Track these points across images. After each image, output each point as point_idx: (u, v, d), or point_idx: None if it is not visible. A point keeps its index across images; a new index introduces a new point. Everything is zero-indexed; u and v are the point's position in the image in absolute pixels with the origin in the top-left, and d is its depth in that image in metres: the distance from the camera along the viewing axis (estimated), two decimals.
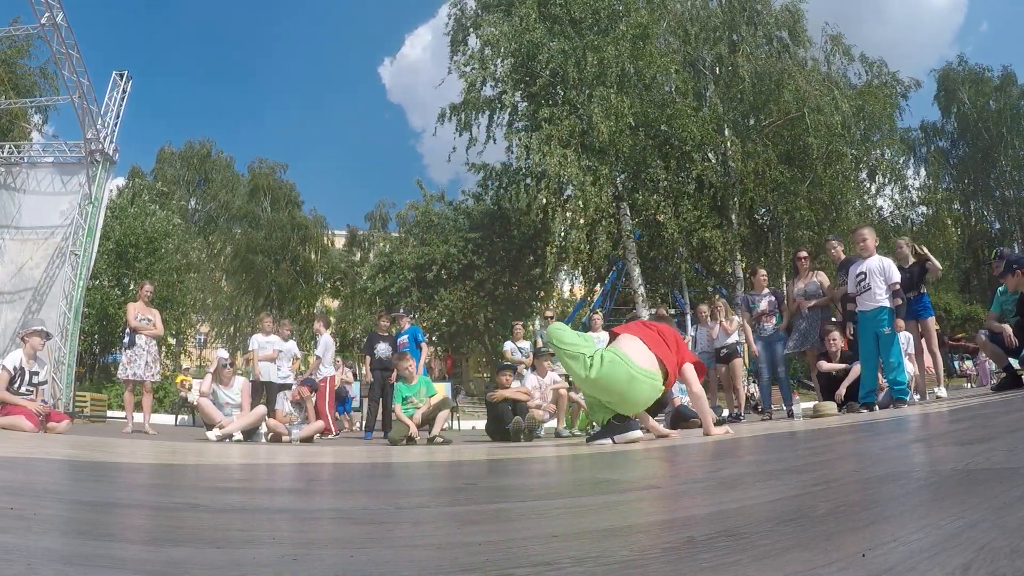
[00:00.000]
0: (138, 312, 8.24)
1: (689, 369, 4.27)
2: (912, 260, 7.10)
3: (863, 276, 6.08)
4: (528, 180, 19.84)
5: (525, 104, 19.99)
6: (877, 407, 5.98)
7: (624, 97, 17.88)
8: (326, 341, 9.53)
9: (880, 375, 6.31)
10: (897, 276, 6.03)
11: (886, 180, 21.74)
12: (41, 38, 13.07)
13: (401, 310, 10.55)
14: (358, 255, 34.84)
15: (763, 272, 8.01)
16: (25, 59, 21.47)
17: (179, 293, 22.91)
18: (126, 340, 8.27)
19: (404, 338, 9.29)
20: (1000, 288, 6.76)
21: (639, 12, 18.87)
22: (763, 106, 19.83)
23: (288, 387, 8.27)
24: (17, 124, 18.95)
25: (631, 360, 4.04)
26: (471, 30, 20.34)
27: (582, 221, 18.33)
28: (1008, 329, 6.27)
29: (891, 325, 5.88)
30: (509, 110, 20.14)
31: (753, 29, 20.58)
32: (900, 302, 5.93)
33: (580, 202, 17.67)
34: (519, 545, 0.87)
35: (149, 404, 8.29)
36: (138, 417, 8.10)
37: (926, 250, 6.90)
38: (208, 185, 34.51)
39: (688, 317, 18.31)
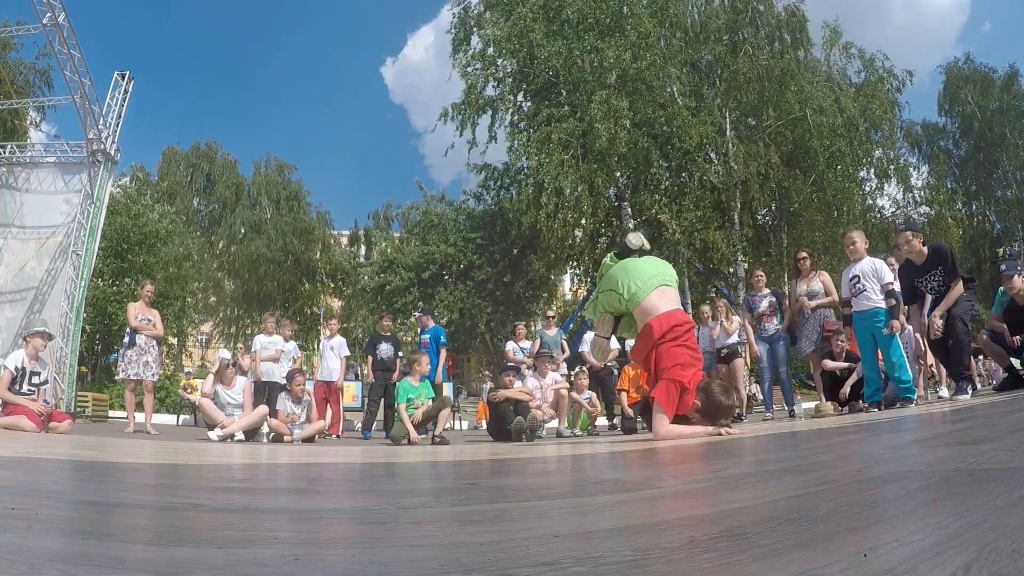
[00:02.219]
0: (138, 312, 8.23)
1: (657, 394, 3.92)
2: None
3: (856, 279, 6.11)
4: (530, 180, 19.86)
5: (529, 104, 20.00)
6: (883, 405, 5.97)
7: (623, 98, 17.89)
8: (342, 342, 9.68)
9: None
10: (890, 277, 6.04)
11: (893, 179, 21.71)
12: (25, 34, 13.10)
13: (429, 308, 10.62)
14: (363, 252, 34.92)
15: (760, 273, 8.02)
16: (12, 52, 21.35)
17: (177, 287, 22.84)
18: (127, 340, 8.28)
19: (426, 337, 9.32)
20: (1001, 288, 6.76)
21: (641, 18, 18.80)
22: (765, 107, 19.83)
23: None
24: (19, 124, 18.97)
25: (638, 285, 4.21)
26: (475, 29, 20.31)
27: (583, 221, 18.35)
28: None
29: (887, 325, 5.88)
30: (511, 110, 20.14)
31: (755, 30, 20.58)
32: (894, 302, 5.93)
33: (584, 205, 17.68)
34: (521, 545, 0.87)
35: (151, 404, 8.29)
36: (140, 417, 8.11)
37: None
38: (213, 186, 34.54)
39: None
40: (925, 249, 6.06)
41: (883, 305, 5.92)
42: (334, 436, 8.79)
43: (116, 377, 9.97)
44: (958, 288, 5.88)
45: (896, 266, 7.18)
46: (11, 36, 17.02)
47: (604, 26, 18.86)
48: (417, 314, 10.46)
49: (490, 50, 19.43)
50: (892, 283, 6.00)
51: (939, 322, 5.79)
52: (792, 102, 18.99)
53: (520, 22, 18.54)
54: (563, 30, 19.03)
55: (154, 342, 8.30)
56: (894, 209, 23.02)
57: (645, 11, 19.26)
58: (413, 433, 6.42)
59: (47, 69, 21.55)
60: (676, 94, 18.99)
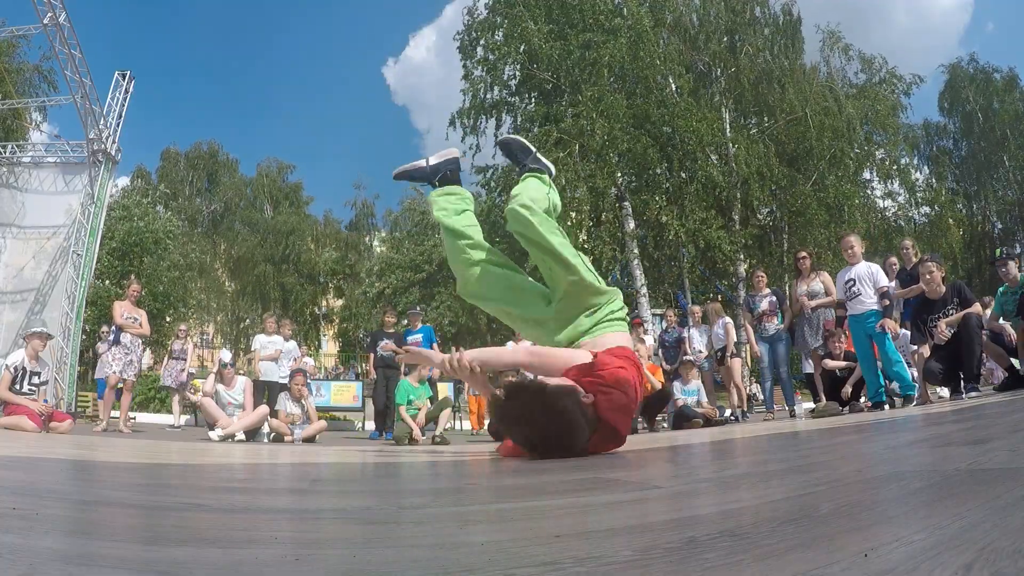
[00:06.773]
0: (124, 311, 8.31)
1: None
2: (915, 260, 7.11)
3: (852, 282, 6.22)
4: None
5: (532, 106, 20.05)
6: (887, 407, 6.00)
7: (620, 97, 17.89)
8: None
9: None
10: (885, 281, 6.18)
11: (894, 182, 21.71)
12: (26, 34, 13.12)
13: (418, 308, 10.59)
14: (358, 243, 34.97)
15: (761, 273, 8.05)
16: (16, 53, 21.40)
17: (179, 290, 22.93)
18: (111, 338, 8.36)
19: (418, 337, 9.29)
20: (1001, 288, 6.77)
21: (638, 13, 18.80)
22: (765, 107, 19.84)
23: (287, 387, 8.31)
24: (19, 124, 18.98)
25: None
26: (485, 34, 20.32)
27: (577, 217, 18.31)
28: (1009, 328, 6.29)
29: (878, 324, 5.99)
30: (514, 114, 20.22)
31: (753, 32, 20.60)
32: (888, 303, 6.04)
33: (585, 205, 17.67)
34: (521, 545, 0.87)
35: (127, 402, 8.36)
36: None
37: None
38: (214, 186, 34.58)
39: (691, 318, 18.31)
40: (943, 287, 6.08)
41: (877, 307, 6.04)
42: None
43: (96, 376, 10.17)
44: (976, 307, 5.95)
45: (897, 266, 7.23)
46: (11, 36, 17.01)
47: (599, 25, 18.82)
48: (409, 313, 10.44)
49: (493, 55, 19.51)
50: (887, 287, 6.13)
51: (945, 327, 5.80)
52: (792, 103, 19.01)
53: (519, 23, 18.56)
54: (562, 30, 19.03)
55: (139, 341, 8.37)
56: (895, 209, 23.01)
57: (642, 10, 19.22)
58: (417, 432, 6.42)
59: (50, 71, 21.60)
60: (675, 93, 18.98)
